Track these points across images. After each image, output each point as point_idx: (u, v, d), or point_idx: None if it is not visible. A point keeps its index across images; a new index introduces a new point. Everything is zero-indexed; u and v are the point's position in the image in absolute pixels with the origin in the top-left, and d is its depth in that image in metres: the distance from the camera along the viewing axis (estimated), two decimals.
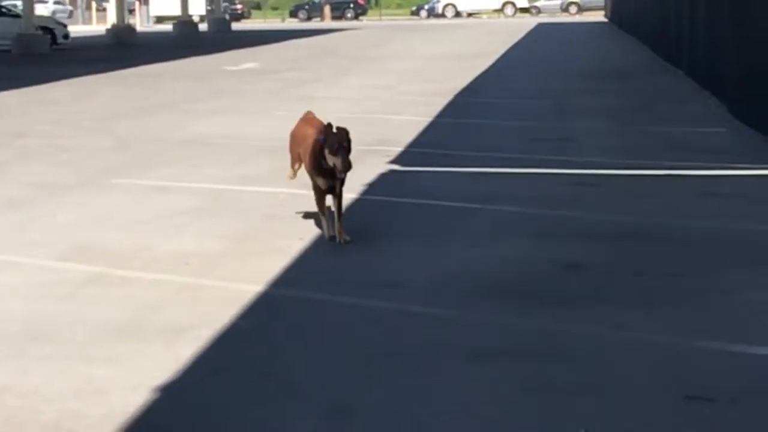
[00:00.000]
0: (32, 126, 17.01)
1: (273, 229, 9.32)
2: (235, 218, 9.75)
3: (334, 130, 8.19)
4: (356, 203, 10.36)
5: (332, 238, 8.58)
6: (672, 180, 11.47)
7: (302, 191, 10.72)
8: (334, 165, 8.13)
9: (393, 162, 12.71)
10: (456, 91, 20.89)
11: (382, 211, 10.08)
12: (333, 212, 8.68)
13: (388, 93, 20.92)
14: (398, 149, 13.60)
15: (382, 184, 11.42)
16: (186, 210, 10.12)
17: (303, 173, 8.95)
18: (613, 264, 8.00)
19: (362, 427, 5.18)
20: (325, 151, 8.13)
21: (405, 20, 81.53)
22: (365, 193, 10.87)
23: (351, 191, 10.92)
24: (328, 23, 76.82)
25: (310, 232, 9.06)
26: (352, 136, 8.23)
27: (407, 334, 6.27)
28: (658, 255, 8.23)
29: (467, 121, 16.67)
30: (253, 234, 9.14)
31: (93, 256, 8.43)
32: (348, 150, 8.10)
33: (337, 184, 8.45)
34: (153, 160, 13.28)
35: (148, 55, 35.89)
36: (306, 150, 8.61)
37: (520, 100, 19.39)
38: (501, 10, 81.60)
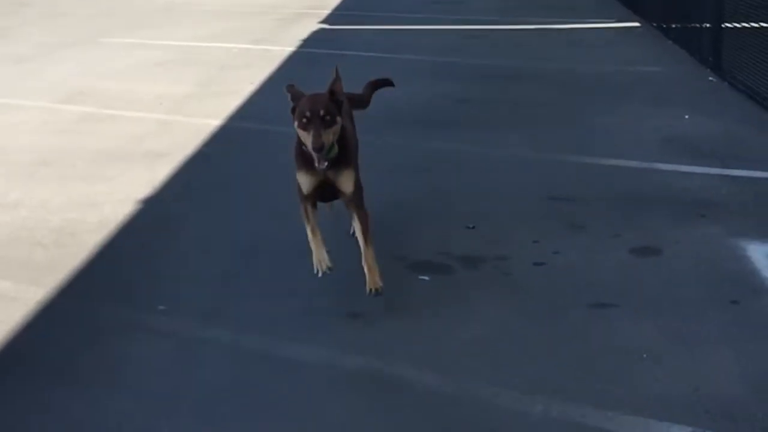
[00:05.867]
0: None
1: (229, 76, 9.15)
2: (199, 68, 9.55)
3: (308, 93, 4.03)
4: (294, 54, 10.19)
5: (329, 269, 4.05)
6: (544, 33, 11.39)
7: (251, 46, 10.54)
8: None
9: (322, 22, 12.48)
10: None
11: (313, 60, 9.92)
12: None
13: None
14: (326, 12, 13.36)
15: (313, 39, 11.23)
16: (160, 62, 9.89)
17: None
18: (496, 98, 7.98)
19: (294, 224, 5.17)
20: (295, 124, 3.97)
21: None
22: (300, 46, 10.69)
23: (289, 45, 10.76)
24: None
25: (258, 78, 8.92)
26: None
27: None
28: (531, 91, 8.22)
29: None
30: (213, 80, 8.97)
31: (86, 99, 8.24)
32: (325, 121, 3.89)
33: (341, 181, 4.08)
34: (133, 24, 12.92)
35: None
36: None
37: None
38: None
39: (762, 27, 7.55)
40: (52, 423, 3.31)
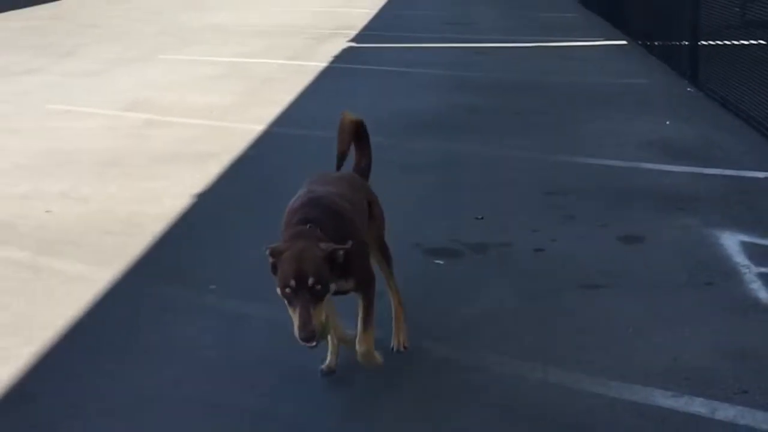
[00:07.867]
0: (102, 19, 16.48)
1: (270, 88, 9.16)
2: (244, 81, 9.57)
3: (290, 251, 2.74)
4: (326, 69, 10.19)
5: (328, 372, 3.28)
6: (542, 50, 11.35)
7: (288, 61, 10.55)
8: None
9: (351, 41, 12.48)
10: None
11: (346, 74, 9.92)
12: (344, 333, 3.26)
13: None
14: (354, 32, 13.35)
15: (344, 56, 11.23)
16: (210, 76, 9.92)
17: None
18: (501, 107, 7.96)
19: None
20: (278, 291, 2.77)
21: None
22: (332, 62, 10.69)
23: (322, 61, 10.76)
24: None
25: (296, 89, 8.93)
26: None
27: None
28: (531, 100, 8.19)
29: (401, 12, 16.32)
30: (257, 91, 8.99)
31: (147, 108, 8.27)
32: (315, 292, 2.68)
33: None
34: (185, 42, 12.95)
35: None
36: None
37: None
38: None
39: (733, 44, 7.51)
40: (117, 389, 3.34)
